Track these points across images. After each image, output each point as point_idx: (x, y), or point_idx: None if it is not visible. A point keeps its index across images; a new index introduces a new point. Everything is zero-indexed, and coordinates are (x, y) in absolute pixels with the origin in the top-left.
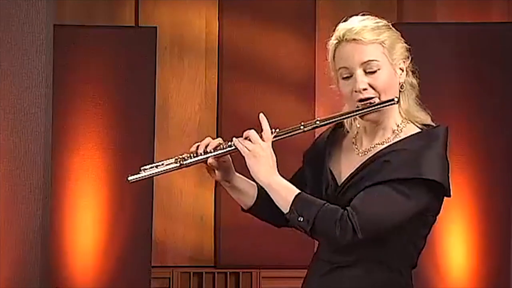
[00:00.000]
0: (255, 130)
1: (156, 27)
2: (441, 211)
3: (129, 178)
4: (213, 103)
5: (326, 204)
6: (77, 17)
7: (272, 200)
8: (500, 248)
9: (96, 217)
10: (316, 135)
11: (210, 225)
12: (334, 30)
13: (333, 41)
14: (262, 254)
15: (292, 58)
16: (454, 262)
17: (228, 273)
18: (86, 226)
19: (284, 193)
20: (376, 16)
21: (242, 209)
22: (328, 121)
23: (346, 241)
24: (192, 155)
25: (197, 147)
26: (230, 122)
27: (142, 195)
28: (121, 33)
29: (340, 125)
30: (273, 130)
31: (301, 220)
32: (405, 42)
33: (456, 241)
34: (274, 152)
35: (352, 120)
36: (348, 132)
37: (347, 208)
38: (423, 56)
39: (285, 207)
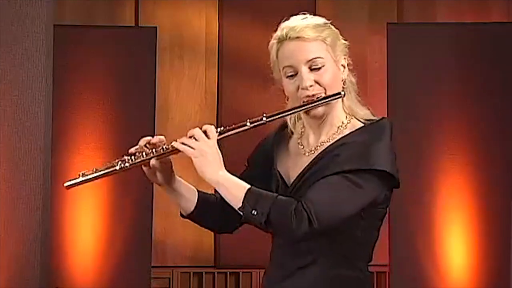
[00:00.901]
0: (199, 128)
1: (156, 27)
2: (441, 211)
3: (65, 184)
4: (213, 103)
5: (278, 196)
6: (77, 17)
7: (212, 206)
8: (500, 248)
9: (96, 217)
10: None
11: None
12: (274, 31)
13: (274, 40)
14: (262, 254)
15: None
16: (454, 262)
17: (228, 273)
18: (86, 226)
19: (234, 188)
20: (317, 16)
21: (182, 215)
22: (274, 117)
23: (303, 231)
24: (132, 157)
25: (138, 147)
26: (230, 122)
27: (142, 195)
28: (121, 33)
29: (284, 127)
30: (218, 128)
31: (255, 213)
32: (344, 40)
33: (456, 241)
34: (221, 151)
35: (296, 119)
36: (292, 133)
37: (301, 199)
38: (423, 56)
39: (236, 202)
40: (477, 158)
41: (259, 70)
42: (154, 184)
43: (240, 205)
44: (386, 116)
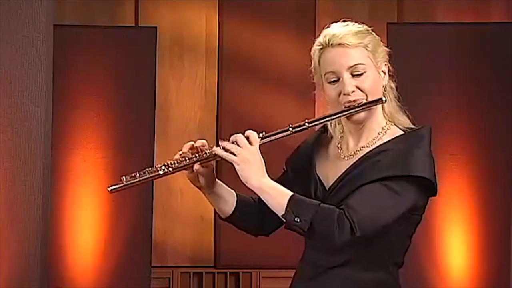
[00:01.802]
0: (242, 134)
1: (156, 27)
2: (441, 211)
3: (110, 188)
4: (213, 103)
5: (321, 204)
6: (77, 17)
7: (250, 209)
8: (500, 248)
9: (96, 217)
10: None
11: (210, 225)
12: (315, 38)
13: (317, 47)
14: (262, 254)
15: (292, 58)
16: (454, 262)
17: (228, 273)
18: (86, 226)
19: (278, 195)
20: (355, 22)
21: (220, 218)
22: (317, 122)
23: (345, 239)
24: (176, 161)
25: (182, 153)
26: (230, 122)
27: (142, 195)
28: (121, 33)
29: (324, 130)
30: (260, 133)
31: (298, 220)
32: (385, 46)
33: (456, 241)
34: (262, 156)
35: (336, 124)
36: (331, 137)
37: (343, 206)
38: (423, 56)
39: (280, 209)
40: (477, 158)
41: (259, 70)
42: (154, 184)
43: (284, 212)
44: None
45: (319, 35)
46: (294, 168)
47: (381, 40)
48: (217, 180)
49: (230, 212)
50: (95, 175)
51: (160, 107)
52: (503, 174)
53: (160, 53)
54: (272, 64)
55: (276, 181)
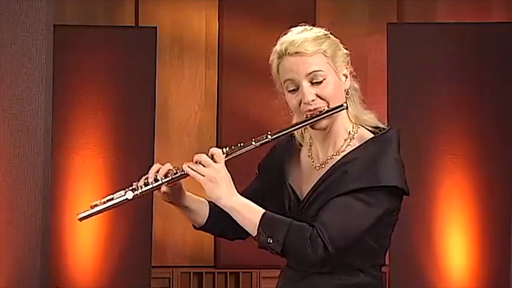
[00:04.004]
0: (205, 154)
1: (156, 27)
2: (441, 211)
3: (79, 216)
4: (213, 103)
5: (293, 223)
6: (77, 17)
7: (223, 216)
8: (500, 248)
9: (96, 217)
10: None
11: None
12: (274, 45)
13: (274, 56)
14: (262, 254)
15: None
16: (454, 262)
17: (228, 273)
18: (86, 226)
19: (249, 214)
20: (316, 27)
21: (194, 227)
22: (279, 134)
23: (318, 257)
24: (142, 185)
25: (146, 178)
26: (230, 122)
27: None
28: (121, 33)
29: (292, 137)
30: (223, 149)
31: (271, 242)
32: (345, 48)
33: (456, 242)
34: (228, 170)
35: (303, 132)
36: (301, 145)
37: (315, 224)
38: (423, 56)
39: (252, 229)
40: (477, 158)
41: (259, 70)
42: None
43: (256, 233)
44: (387, 113)
45: (276, 43)
46: (267, 174)
47: (340, 42)
48: (186, 194)
49: (203, 222)
50: (95, 175)
51: (160, 107)
52: (504, 174)
53: (160, 53)
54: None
55: (249, 186)
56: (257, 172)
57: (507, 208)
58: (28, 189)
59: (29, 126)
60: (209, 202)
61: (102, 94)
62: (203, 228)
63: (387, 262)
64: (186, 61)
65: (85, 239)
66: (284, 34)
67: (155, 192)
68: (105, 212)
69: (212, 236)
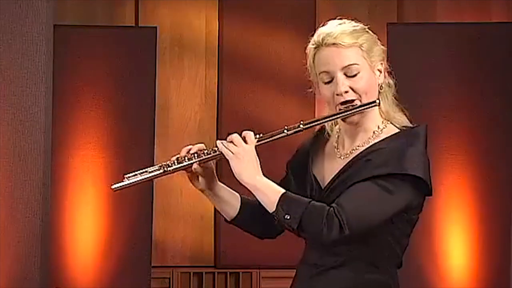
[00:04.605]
0: (238, 134)
1: (156, 27)
2: (441, 211)
3: (113, 186)
4: (213, 103)
5: (312, 202)
6: (77, 17)
7: (255, 212)
8: (500, 248)
9: (96, 217)
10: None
11: (210, 225)
12: (311, 35)
13: (311, 46)
14: (262, 254)
15: (292, 57)
16: (454, 262)
17: (228, 273)
18: (86, 226)
19: (270, 192)
20: (352, 20)
21: (226, 220)
22: (311, 124)
23: (333, 237)
24: (175, 161)
25: (178, 156)
26: (230, 122)
27: (142, 195)
28: (121, 33)
29: (322, 130)
30: (257, 135)
31: (288, 218)
32: (382, 44)
33: (456, 241)
34: (259, 157)
35: (333, 124)
36: (329, 136)
37: (333, 205)
38: (423, 56)
39: (271, 207)
40: (477, 158)
41: (259, 70)
42: (154, 184)
43: (274, 209)
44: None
45: (314, 33)
46: (293, 169)
47: (378, 38)
48: (219, 182)
49: (234, 215)
50: (95, 175)
51: (160, 107)
52: (503, 174)
53: (160, 53)
54: (272, 64)
55: (278, 183)
56: (286, 170)
57: (507, 208)
58: (28, 189)
59: (29, 126)
60: (241, 197)
61: (102, 94)
62: (233, 221)
63: None
64: (186, 61)
65: (85, 239)
66: (323, 26)
67: (188, 175)
68: (105, 212)
69: (212, 236)
